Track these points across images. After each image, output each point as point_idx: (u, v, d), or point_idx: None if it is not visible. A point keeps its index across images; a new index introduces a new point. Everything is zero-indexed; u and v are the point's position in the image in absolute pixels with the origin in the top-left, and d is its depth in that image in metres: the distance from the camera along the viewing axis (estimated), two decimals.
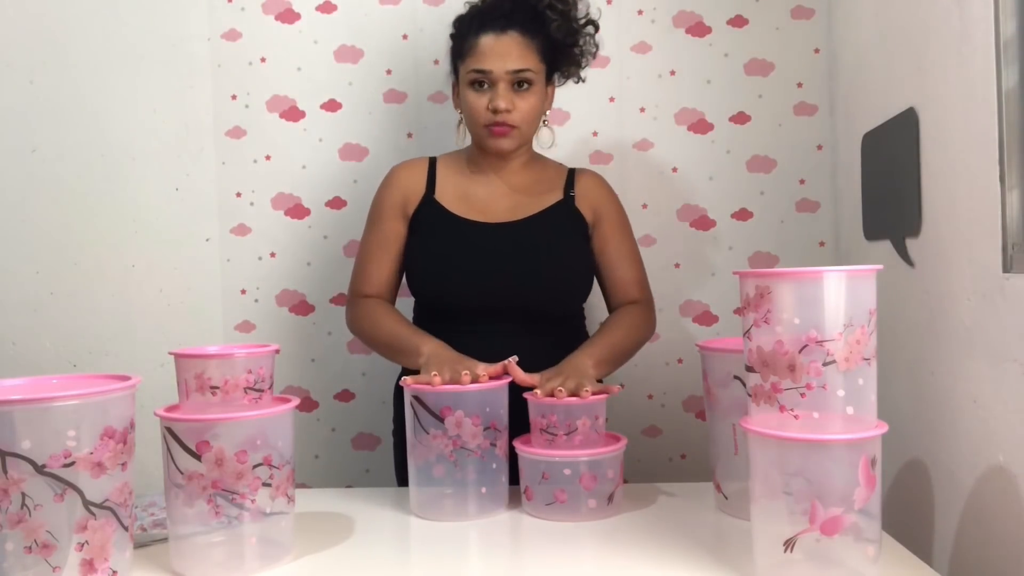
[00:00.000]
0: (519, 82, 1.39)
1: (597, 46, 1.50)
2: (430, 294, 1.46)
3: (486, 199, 1.48)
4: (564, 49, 1.45)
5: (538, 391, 1.25)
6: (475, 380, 1.22)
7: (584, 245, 1.48)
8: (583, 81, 1.54)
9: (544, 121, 1.48)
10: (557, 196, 1.49)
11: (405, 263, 1.48)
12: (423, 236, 1.46)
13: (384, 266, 1.47)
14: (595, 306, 1.60)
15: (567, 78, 1.51)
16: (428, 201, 1.47)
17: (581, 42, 1.46)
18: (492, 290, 1.41)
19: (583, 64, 1.50)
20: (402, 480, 1.54)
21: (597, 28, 1.49)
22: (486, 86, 1.39)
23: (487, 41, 1.38)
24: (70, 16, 1.88)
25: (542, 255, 1.43)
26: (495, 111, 1.38)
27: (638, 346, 1.47)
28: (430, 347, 1.33)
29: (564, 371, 1.29)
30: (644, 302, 1.50)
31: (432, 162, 1.52)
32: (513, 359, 1.28)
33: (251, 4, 1.87)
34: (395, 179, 1.51)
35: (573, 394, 1.23)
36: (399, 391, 1.56)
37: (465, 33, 1.43)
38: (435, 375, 1.22)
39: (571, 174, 1.53)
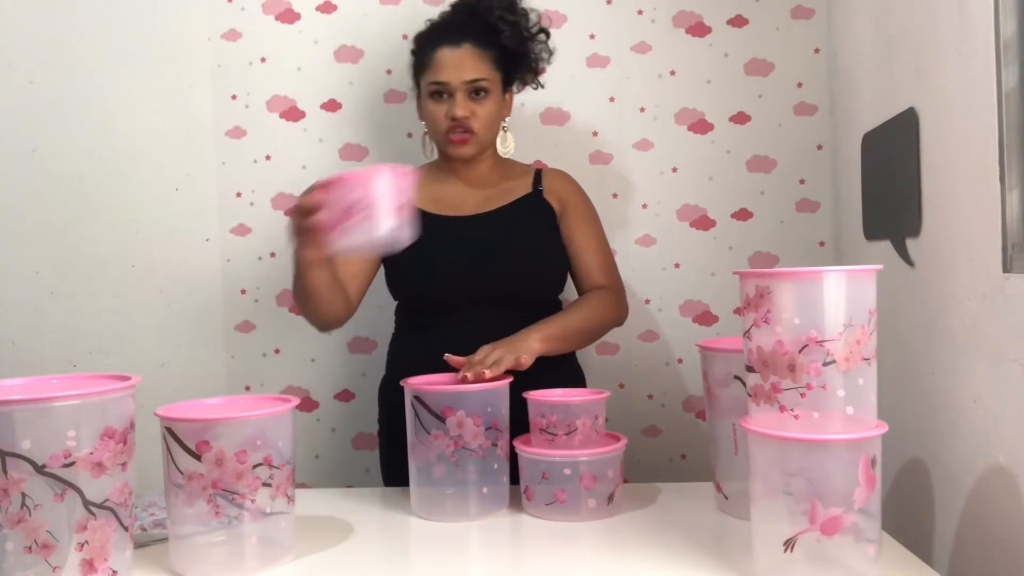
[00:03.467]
0: (475, 91, 1.47)
1: (551, 52, 1.58)
2: (410, 290, 1.51)
3: (457, 197, 1.54)
4: (518, 57, 1.53)
5: (466, 374, 1.25)
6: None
7: (553, 234, 1.53)
8: (542, 87, 1.63)
9: (504, 128, 1.56)
10: (526, 190, 1.55)
11: (386, 268, 1.53)
12: None
13: (352, 261, 1.44)
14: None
15: (526, 84, 1.59)
16: None
17: (534, 50, 1.54)
18: (468, 280, 1.45)
19: (538, 70, 1.58)
20: (388, 480, 1.54)
21: (548, 35, 1.57)
22: (445, 96, 1.47)
23: (444, 54, 1.47)
24: (70, 16, 1.88)
25: (513, 243, 1.49)
26: (454, 119, 1.46)
27: (600, 327, 1.50)
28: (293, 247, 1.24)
29: (501, 343, 1.32)
30: (610, 287, 1.53)
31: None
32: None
33: (251, 4, 1.87)
34: None
35: (501, 366, 1.26)
36: (384, 389, 1.57)
37: (424, 48, 1.52)
38: (297, 236, 1.17)
39: (538, 173, 1.59)
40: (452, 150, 1.50)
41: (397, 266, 1.50)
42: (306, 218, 1.13)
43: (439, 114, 1.47)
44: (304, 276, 1.31)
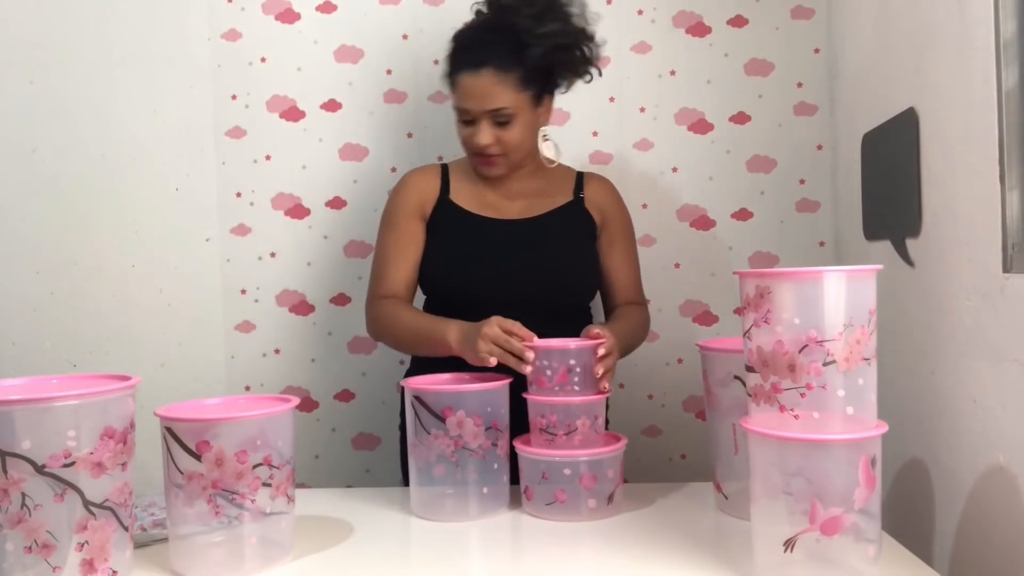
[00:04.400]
0: (499, 118, 1.41)
1: (593, 51, 1.46)
2: (445, 289, 1.48)
3: (498, 200, 1.52)
4: (551, 69, 1.44)
5: (604, 385, 1.26)
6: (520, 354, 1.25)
7: (591, 244, 1.53)
8: (599, 75, 1.51)
9: (544, 136, 1.48)
10: (567, 198, 1.53)
11: (423, 261, 1.50)
12: (440, 234, 1.49)
13: (402, 267, 1.49)
14: (599, 308, 1.61)
15: (572, 84, 1.50)
16: (443, 202, 1.51)
17: (572, 58, 1.44)
18: (505, 283, 1.44)
19: (582, 73, 1.48)
20: (407, 478, 1.53)
21: (590, 37, 1.46)
22: (470, 121, 1.43)
23: (464, 79, 1.40)
24: (70, 16, 1.88)
25: (553, 250, 1.47)
26: (478, 145, 1.43)
27: (639, 344, 1.53)
28: (455, 332, 1.33)
29: (615, 348, 1.30)
30: (643, 305, 1.57)
31: (444, 168, 1.55)
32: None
33: (251, 4, 1.87)
34: (410, 183, 1.53)
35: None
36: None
37: (449, 64, 1.45)
38: (489, 357, 1.25)
39: (580, 177, 1.56)
40: (481, 170, 1.48)
41: (433, 262, 1.48)
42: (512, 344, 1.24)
43: (465, 136, 1.45)
44: (436, 351, 1.37)
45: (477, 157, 1.46)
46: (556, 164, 1.49)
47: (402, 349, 1.50)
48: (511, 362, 1.25)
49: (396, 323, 1.45)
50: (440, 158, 1.83)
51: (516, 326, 1.28)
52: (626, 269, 1.54)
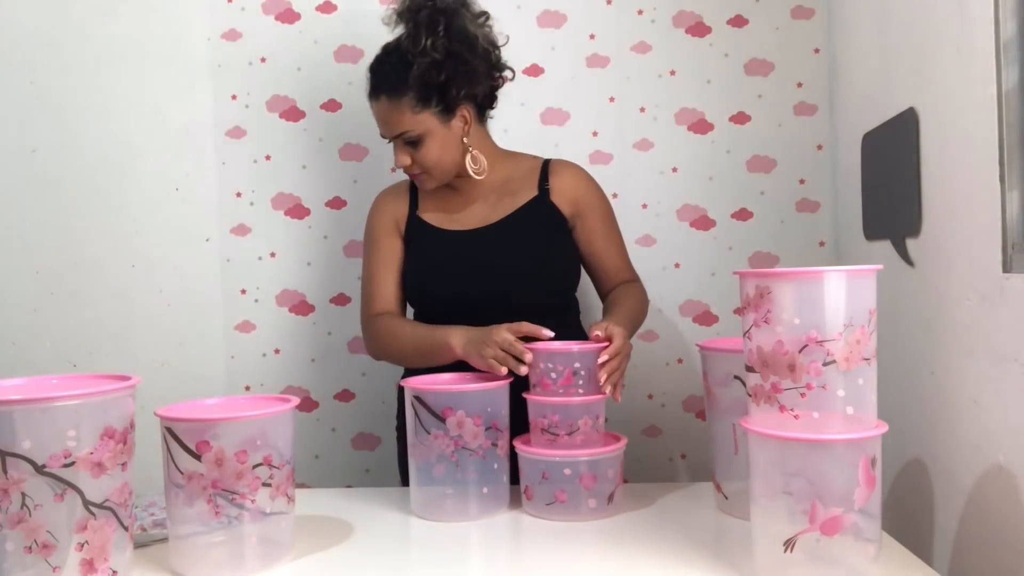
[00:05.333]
0: (407, 140, 1.41)
1: (489, 57, 1.43)
2: (424, 304, 1.51)
3: (463, 207, 1.52)
4: (447, 83, 1.38)
5: (608, 390, 1.26)
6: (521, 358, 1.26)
7: (562, 238, 1.50)
8: (503, 84, 1.48)
9: (469, 148, 1.45)
10: (531, 193, 1.50)
11: (402, 280, 1.52)
12: (413, 252, 1.51)
13: (390, 282, 1.51)
14: (589, 294, 1.61)
15: (486, 92, 1.46)
16: (413, 219, 1.53)
17: (462, 69, 1.38)
18: (478, 293, 1.44)
19: (482, 81, 1.43)
20: (406, 478, 1.53)
21: (482, 46, 1.41)
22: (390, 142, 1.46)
23: (373, 107, 1.44)
24: (70, 16, 1.88)
25: (518, 253, 1.46)
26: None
27: (643, 320, 1.52)
28: (459, 337, 1.34)
29: (624, 351, 1.29)
30: (636, 280, 1.56)
31: (412, 183, 1.55)
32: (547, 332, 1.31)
33: (251, 4, 1.87)
34: (381, 205, 1.56)
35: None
36: (403, 388, 1.56)
37: None
38: (497, 365, 1.26)
39: (545, 167, 1.53)
40: (418, 186, 1.50)
41: (409, 279, 1.51)
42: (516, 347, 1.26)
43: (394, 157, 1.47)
44: (440, 358, 1.37)
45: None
46: (482, 171, 1.46)
47: (405, 363, 1.50)
48: (510, 364, 1.26)
49: (396, 337, 1.46)
50: None
51: (524, 326, 1.29)
52: (611, 252, 1.53)
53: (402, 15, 1.41)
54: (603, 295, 1.56)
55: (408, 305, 1.56)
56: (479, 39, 1.41)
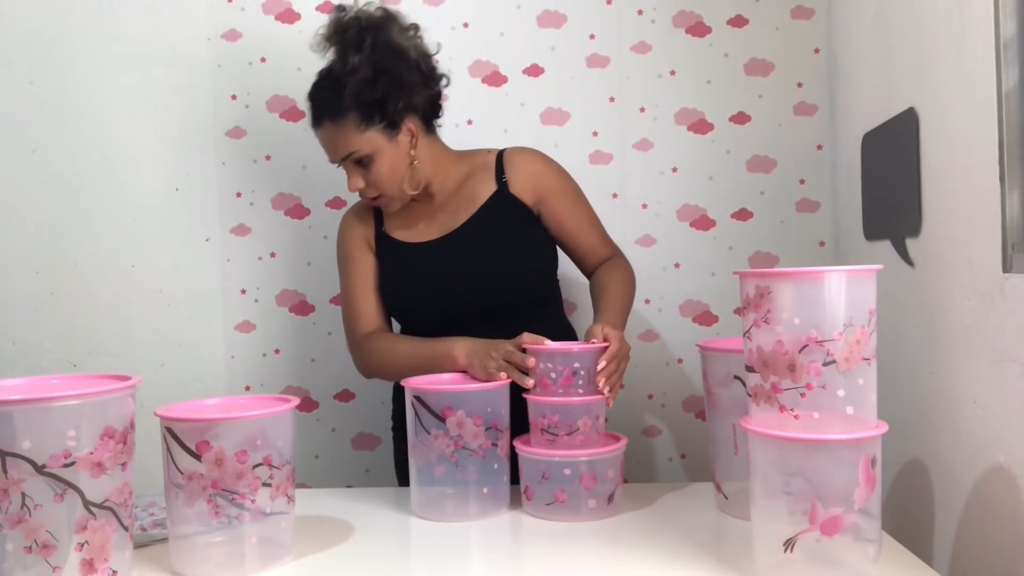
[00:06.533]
0: (355, 161, 1.40)
1: (420, 67, 1.41)
2: (410, 319, 1.51)
3: (426, 217, 1.51)
4: (384, 100, 1.37)
5: (608, 397, 1.26)
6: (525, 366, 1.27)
7: (530, 229, 1.49)
8: (441, 90, 1.47)
9: (413, 162, 1.43)
10: (491, 188, 1.48)
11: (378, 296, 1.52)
12: (383, 268, 1.51)
13: (371, 298, 1.50)
14: (573, 281, 1.61)
15: (428, 103, 1.44)
16: (380, 235, 1.52)
17: (388, 84, 1.37)
18: (459, 301, 1.44)
19: (418, 92, 1.41)
20: (403, 479, 1.54)
21: (411, 57, 1.39)
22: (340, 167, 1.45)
23: (317, 135, 1.43)
24: (70, 16, 1.88)
25: (489, 254, 1.45)
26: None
27: (634, 297, 1.51)
28: (462, 348, 1.34)
29: (622, 352, 1.30)
30: (616, 255, 1.54)
31: None
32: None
33: (251, 4, 1.87)
34: (348, 224, 1.56)
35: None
36: (398, 389, 1.56)
37: None
38: (500, 374, 1.27)
39: (500, 159, 1.50)
40: (383, 209, 1.50)
41: (384, 295, 1.50)
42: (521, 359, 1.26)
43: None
44: (441, 371, 1.35)
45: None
46: (416, 191, 1.45)
47: (402, 378, 1.43)
48: (515, 376, 1.27)
49: (393, 355, 1.44)
50: None
51: (525, 336, 1.29)
52: (583, 231, 1.51)
53: (330, 38, 1.39)
54: (586, 273, 1.55)
55: (394, 320, 1.55)
56: (409, 50, 1.40)
